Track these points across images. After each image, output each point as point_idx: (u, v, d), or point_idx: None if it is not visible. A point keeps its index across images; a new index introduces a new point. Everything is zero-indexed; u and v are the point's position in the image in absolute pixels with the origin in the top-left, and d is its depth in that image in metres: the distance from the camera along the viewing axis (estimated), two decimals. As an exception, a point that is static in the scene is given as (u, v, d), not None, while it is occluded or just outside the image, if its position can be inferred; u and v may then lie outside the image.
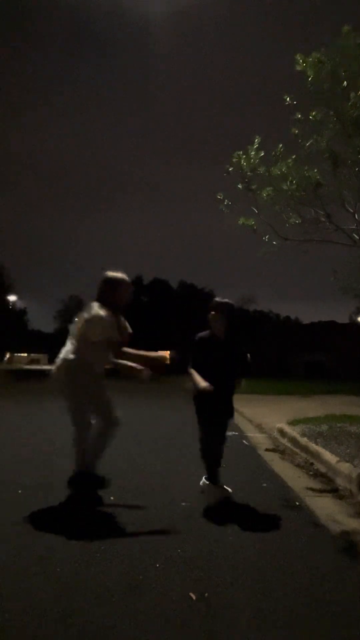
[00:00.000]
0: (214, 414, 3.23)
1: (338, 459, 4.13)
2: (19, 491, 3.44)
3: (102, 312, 3.09)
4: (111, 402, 3.24)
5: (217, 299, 3.41)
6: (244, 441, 5.88)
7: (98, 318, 3.08)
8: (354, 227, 7.15)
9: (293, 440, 5.58)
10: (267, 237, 7.49)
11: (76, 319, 3.24)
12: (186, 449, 4.93)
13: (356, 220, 7.11)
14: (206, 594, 1.96)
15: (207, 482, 3.23)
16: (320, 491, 3.61)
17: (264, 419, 7.78)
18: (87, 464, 3.15)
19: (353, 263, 7.92)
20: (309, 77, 6.51)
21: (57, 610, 1.82)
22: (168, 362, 3.33)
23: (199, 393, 3.10)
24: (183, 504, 3.15)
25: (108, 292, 3.22)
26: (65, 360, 3.13)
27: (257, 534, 2.67)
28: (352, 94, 6.26)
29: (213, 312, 3.29)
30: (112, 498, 3.28)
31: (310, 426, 6.28)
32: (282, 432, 6.26)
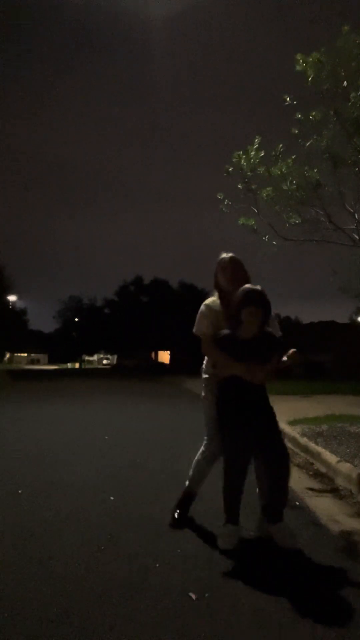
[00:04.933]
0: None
1: (338, 459, 4.13)
2: (19, 491, 3.44)
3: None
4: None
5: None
6: (244, 441, 5.87)
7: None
8: (354, 227, 7.14)
9: (293, 440, 5.57)
10: (267, 237, 7.49)
11: None
12: (187, 448, 4.92)
13: (356, 220, 7.10)
14: (206, 594, 1.96)
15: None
16: (320, 491, 3.61)
17: (264, 419, 7.76)
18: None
19: (353, 263, 7.91)
20: (309, 77, 6.51)
21: (57, 610, 1.82)
22: None
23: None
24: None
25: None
26: None
27: (257, 534, 2.66)
28: (352, 94, 6.26)
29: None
30: (112, 498, 3.28)
31: (310, 426, 6.28)
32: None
